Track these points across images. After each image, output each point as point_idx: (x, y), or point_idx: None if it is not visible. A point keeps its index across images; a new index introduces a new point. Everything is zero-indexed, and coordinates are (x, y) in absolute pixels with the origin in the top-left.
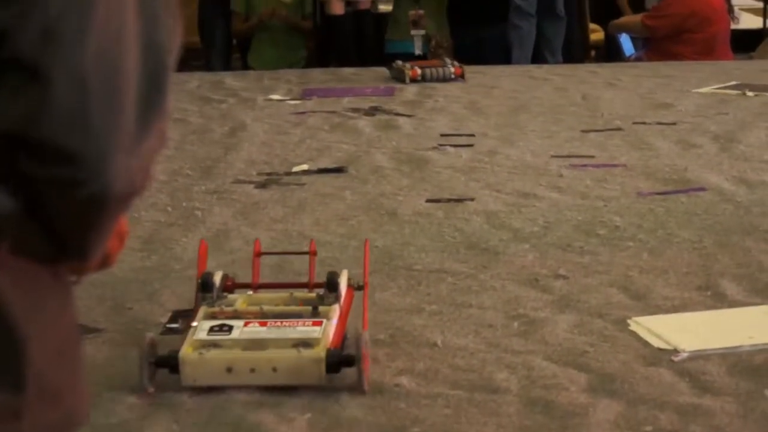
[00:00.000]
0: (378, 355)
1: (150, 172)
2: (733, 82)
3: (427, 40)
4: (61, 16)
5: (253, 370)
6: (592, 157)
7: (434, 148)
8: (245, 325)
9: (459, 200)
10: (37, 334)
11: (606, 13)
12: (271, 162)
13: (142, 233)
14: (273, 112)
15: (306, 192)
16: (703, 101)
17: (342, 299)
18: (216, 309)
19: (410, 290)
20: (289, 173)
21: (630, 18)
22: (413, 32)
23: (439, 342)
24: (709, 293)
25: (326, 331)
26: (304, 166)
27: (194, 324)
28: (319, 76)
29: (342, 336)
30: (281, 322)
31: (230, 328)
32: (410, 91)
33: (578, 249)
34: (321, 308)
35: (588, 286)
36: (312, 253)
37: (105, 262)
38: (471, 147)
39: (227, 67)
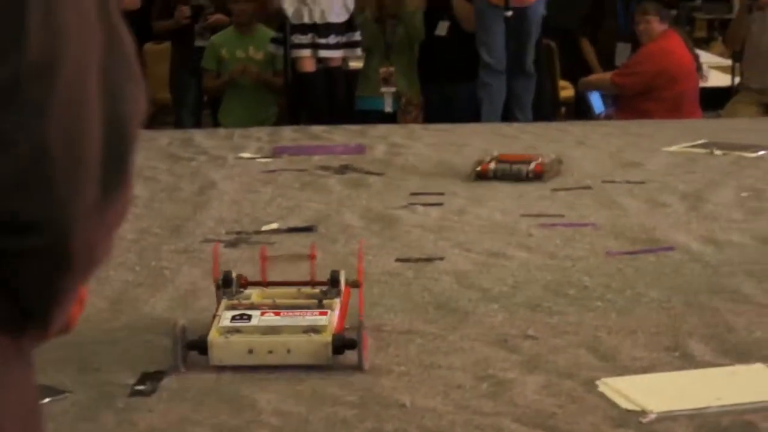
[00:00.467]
0: (347, 417)
1: (113, 240)
2: (702, 141)
3: (397, 97)
4: (23, 85)
5: (270, 352)
6: (562, 216)
7: (404, 207)
8: (262, 314)
9: (428, 260)
10: (3, 407)
11: (576, 70)
12: (240, 221)
13: (110, 293)
14: (243, 170)
15: (276, 251)
16: (672, 160)
17: (342, 294)
18: (235, 301)
19: (379, 351)
20: (258, 232)
21: (600, 76)
22: (383, 89)
23: (407, 403)
24: (677, 354)
25: (331, 319)
26: (274, 225)
27: (218, 314)
28: (289, 133)
29: (343, 324)
30: (292, 312)
31: (249, 317)
32: (380, 149)
33: (547, 309)
34: (325, 301)
35: (557, 347)
36: (312, 257)
37: (65, 328)
38: (441, 206)
39: (198, 124)
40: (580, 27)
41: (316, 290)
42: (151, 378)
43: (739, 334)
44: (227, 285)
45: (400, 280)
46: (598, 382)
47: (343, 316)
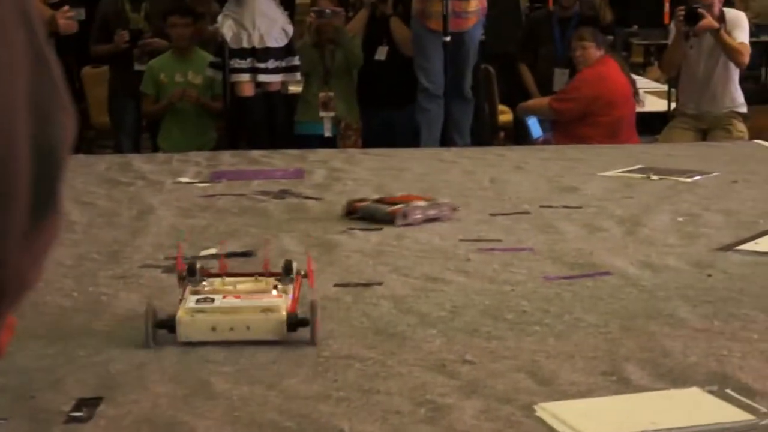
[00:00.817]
0: None
1: (42, 268)
2: (639, 166)
3: (336, 122)
4: None
5: (231, 329)
6: (500, 240)
7: (343, 231)
8: (224, 297)
9: (367, 284)
10: None
11: (514, 95)
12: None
13: (47, 319)
14: (181, 195)
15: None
16: (609, 185)
17: (294, 281)
18: (199, 287)
19: (317, 377)
20: (197, 257)
21: (537, 101)
22: (323, 114)
23: (346, 429)
24: (614, 378)
25: (286, 301)
26: (213, 250)
27: (184, 298)
28: (228, 158)
29: (296, 307)
30: (251, 295)
31: (212, 300)
32: (319, 174)
33: (485, 334)
34: (280, 286)
35: (495, 372)
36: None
37: None
38: (380, 230)
39: (137, 148)
40: (518, 52)
41: (271, 279)
42: (88, 404)
43: (675, 358)
44: (192, 274)
45: (338, 305)
46: (536, 407)
47: (296, 299)
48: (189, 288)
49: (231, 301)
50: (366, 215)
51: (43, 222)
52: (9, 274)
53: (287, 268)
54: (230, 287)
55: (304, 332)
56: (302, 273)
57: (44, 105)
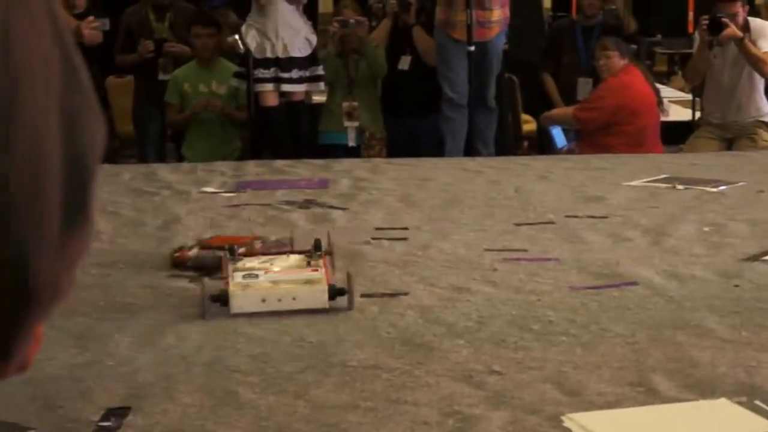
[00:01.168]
0: None
1: (74, 276)
2: (663, 175)
3: (360, 131)
4: None
5: (279, 300)
6: (525, 250)
7: (368, 242)
8: (265, 272)
9: (393, 295)
10: None
11: (538, 105)
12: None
13: (75, 329)
14: (206, 205)
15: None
16: (634, 194)
17: (323, 257)
18: (240, 265)
19: (345, 387)
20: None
21: (561, 110)
22: (347, 124)
23: None
24: (641, 389)
25: (322, 274)
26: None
27: (229, 275)
28: (253, 168)
29: (330, 278)
30: (290, 271)
31: (257, 275)
32: (344, 184)
33: (512, 344)
34: (312, 262)
35: (522, 382)
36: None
37: (21, 367)
38: (405, 240)
39: (161, 157)
40: (542, 61)
41: (302, 257)
42: (116, 414)
43: (702, 368)
44: (232, 254)
45: (365, 316)
46: (563, 418)
47: (327, 272)
48: (231, 266)
49: (275, 275)
50: (196, 265)
51: (75, 230)
52: (42, 282)
53: (317, 246)
54: (267, 264)
55: (341, 300)
56: (327, 250)
57: (74, 111)
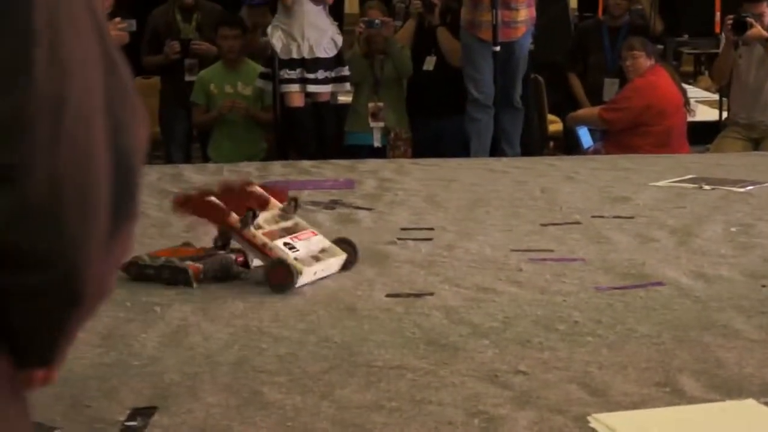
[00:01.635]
0: None
1: (115, 276)
2: (690, 176)
3: (386, 132)
4: (32, 119)
5: (323, 270)
6: (551, 251)
7: (394, 242)
8: (293, 239)
9: (418, 295)
10: None
11: (564, 105)
12: None
13: (101, 329)
14: None
15: (265, 287)
16: (661, 195)
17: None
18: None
19: (370, 387)
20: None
21: (588, 111)
22: (372, 124)
23: None
24: (667, 389)
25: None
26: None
27: (267, 244)
28: (278, 168)
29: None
30: (302, 237)
31: (294, 247)
32: (369, 184)
33: (538, 344)
34: (292, 223)
35: (548, 382)
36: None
37: (47, 379)
38: (430, 241)
39: (187, 158)
40: (568, 61)
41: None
42: (142, 414)
43: (729, 369)
44: (245, 225)
45: (390, 316)
46: (589, 418)
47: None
48: (253, 231)
49: (305, 247)
50: (156, 276)
51: (121, 228)
52: (89, 281)
53: (294, 203)
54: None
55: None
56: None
57: (118, 110)
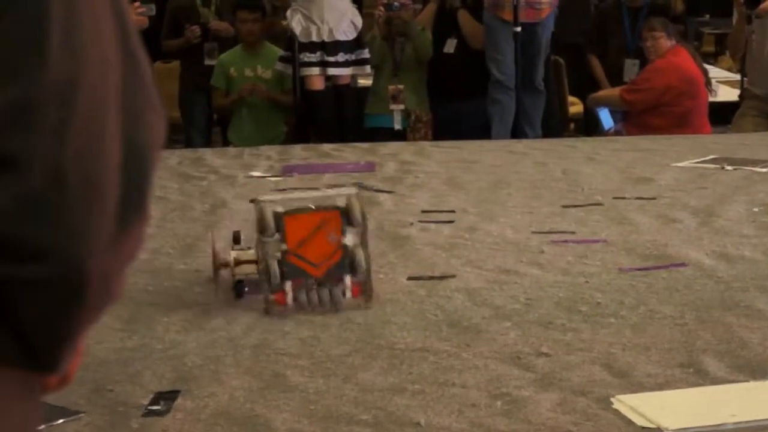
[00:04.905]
0: None
1: (125, 278)
2: (712, 156)
3: (406, 114)
4: (41, 106)
5: None
6: (573, 232)
7: (413, 225)
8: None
9: (440, 277)
10: None
11: (584, 86)
12: (252, 240)
13: (124, 313)
14: (254, 189)
15: None
16: (683, 175)
17: None
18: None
19: (392, 369)
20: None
21: (608, 92)
22: (393, 107)
23: (422, 422)
24: (691, 370)
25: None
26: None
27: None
28: (299, 152)
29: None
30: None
31: None
32: (390, 167)
33: (560, 326)
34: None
35: (570, 364)
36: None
37: (63, 381)
38: (452, 223)
39: (207, 142)
40: (588, 43)
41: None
42: (165, 398)
43: (753, 349)
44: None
45: (412, 298)
46: (612, 399)
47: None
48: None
49: None
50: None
51: (130, 225)
52: (94, 279)
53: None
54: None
55: None
56: None
57: (134, 102)
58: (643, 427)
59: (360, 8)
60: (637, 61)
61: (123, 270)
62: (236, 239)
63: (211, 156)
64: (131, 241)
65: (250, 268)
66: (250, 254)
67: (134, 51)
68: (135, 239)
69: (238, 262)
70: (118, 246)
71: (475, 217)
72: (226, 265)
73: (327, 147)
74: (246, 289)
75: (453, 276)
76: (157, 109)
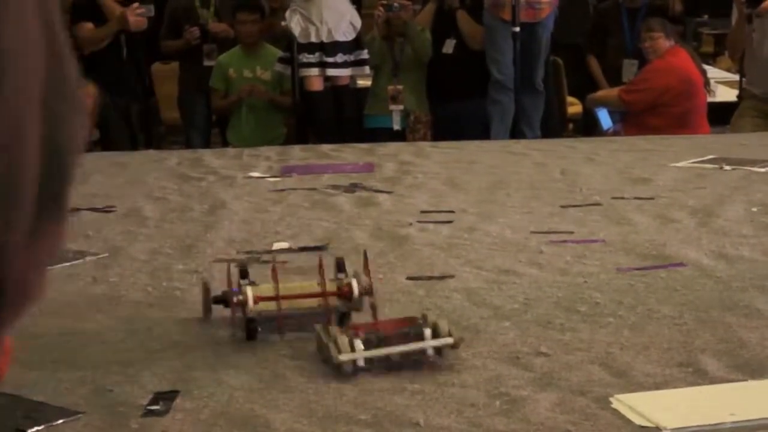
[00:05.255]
0: None
1: (45, 278)
2: (710, 156)
3: (406, 115)
4: None
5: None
6: (572, 232)
7: (413, 224)
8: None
9: (439, 278)
10: None
11: (583, 87)
12: (251, 240)
13: (122, 314)
14: (252, 190)
15: (287, 270)
16: (681, 175)
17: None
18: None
19: (392, 369)
20: (269, 251)
21: (607, 92)
22: (392, 107)
23: (421, 422)
24: (690, 370)
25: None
26: (285, 245)
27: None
28: (298, 152)
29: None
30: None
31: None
32: (389, 167)
33: (559, 326)
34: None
35: (569, 364)
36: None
37: None
38: (451, 223)
39: (207, 143)
40: (587, 43)
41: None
42: (165, 398)
43: (752, 349)
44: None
45: (411, 298)
46: (611, 399)
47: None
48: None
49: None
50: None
51: (47, 227)
52: (10, 276)
53: (339, 264)
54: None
55: None
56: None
57: (57, 106)
58: (642, 427)
59: (359, 9)
60: (635, 62)
61: (40, 269)
62: (243, 274)
63: (210, 157)
64: (48, 241)
65: (269, 306)
66: (266, 289)
67: (60, 54)
68: (53, 239)
69: (257, 300)
70: (34, 244)
71: (474, 218)
72: (239, 303)
73: (326, 147)
74: (259, 329)
75: (452, 276)
76: (80, 113)
